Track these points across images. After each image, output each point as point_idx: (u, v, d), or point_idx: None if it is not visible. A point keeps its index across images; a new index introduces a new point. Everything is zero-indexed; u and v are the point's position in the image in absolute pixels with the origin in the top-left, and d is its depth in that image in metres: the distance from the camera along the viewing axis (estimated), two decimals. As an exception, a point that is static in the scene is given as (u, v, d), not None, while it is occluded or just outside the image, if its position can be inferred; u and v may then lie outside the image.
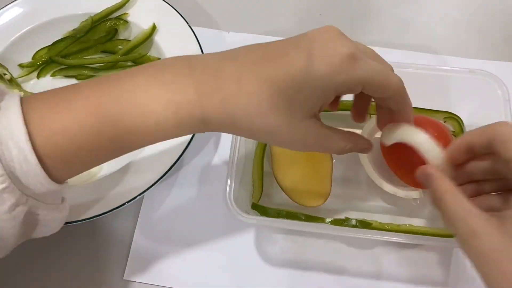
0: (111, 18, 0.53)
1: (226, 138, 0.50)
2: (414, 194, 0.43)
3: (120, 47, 0.54)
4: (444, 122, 0.47)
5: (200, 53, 0.50)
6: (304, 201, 0.43)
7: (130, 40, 0.53)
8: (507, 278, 0.25)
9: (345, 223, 0.43)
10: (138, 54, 0.52)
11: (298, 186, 0.44)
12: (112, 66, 0.53)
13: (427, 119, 0.45)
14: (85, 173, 0.46)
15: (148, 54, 0.52)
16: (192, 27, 0.51)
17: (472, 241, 0.27)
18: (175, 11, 0.52)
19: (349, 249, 0.45)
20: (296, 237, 0.45)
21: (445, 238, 0.42)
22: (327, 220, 0.43)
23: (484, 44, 0.56)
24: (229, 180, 0.41)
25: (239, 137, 0.43)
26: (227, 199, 0.40)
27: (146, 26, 0.52)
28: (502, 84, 0.43)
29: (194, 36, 0.51)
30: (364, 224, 0.43)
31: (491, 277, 0.26)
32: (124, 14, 0.53)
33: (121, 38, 0.54)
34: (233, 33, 0.57)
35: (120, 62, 0.53)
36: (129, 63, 0.53)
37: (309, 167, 0.44)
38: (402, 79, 0.46)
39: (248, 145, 0.45)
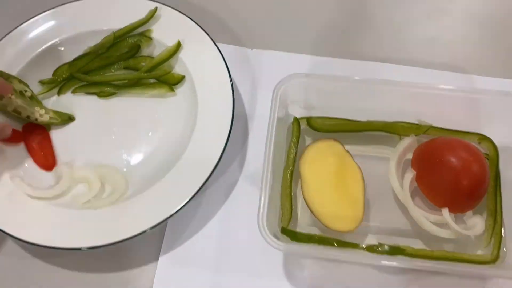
0: (134, 34, 0.52)
1: (251, 157, 0.49)
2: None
3: (143, 63, 0.52)
4: (479, 144, 0.46)
5: (226, 70, 0.49)
6: (336, 225, 0.42)
7: (153, 57, 0.52)
8: None
9: (379, 249, 0.41)
10: (162, 71, 0.51)
11: (330, 209, 0.42)
12: (135, 83, 0.52)
13: (460, 142, 0.44)
14: (110, 195, 0.45)
15: (172, 72, 0.51)
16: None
17: None
18: (200, 28, 0.51)
19: (380, 275, 0.43)
20: (325, 262, 0.44)
21: (480, 266, 0.41)
22: (361, 246, 0.42)
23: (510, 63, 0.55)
24: (261, 203, 0.39)
25: (270, 157, 0.41)
26: (259, 224, 0.39)
27: (169, 42, 0.51)
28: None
29: (220, 53, 0.50)
30: (397, 251, 0.41)
31: None
32: (148, 30, 0.52)
33: (144, 55, 0.53)
34: (256, 50, 0.56)
35: (143, 80, 0.52)
36: (152, 80, 0.52)
37: (341, 189, 0.43)
38: (434, 99, 0.46)
39: (276, 166, 0.44)
